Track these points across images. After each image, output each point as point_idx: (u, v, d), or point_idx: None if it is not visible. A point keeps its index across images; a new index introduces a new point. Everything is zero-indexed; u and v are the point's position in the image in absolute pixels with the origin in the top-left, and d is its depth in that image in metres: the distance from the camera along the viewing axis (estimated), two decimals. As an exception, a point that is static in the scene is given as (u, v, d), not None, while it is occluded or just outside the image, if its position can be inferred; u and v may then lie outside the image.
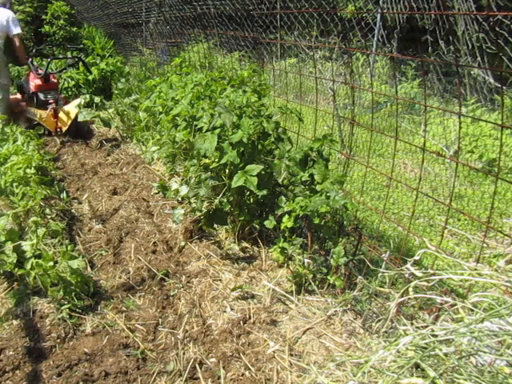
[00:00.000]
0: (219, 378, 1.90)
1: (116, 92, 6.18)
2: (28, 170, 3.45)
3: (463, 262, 1.44)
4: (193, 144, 2.76)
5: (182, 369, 1.94)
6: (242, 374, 1.91)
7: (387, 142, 4.96)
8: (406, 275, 1.77)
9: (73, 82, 7.36)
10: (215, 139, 2.55)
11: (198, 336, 2.13)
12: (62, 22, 10.57)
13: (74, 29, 10.88)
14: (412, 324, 1.52)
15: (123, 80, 6.51)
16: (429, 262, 2.71)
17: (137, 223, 3.29)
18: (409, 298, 1.56)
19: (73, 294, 2.30)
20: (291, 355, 2.00)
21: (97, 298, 2.42)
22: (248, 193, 2.77)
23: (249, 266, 2.73)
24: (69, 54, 7.57)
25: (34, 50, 7.08)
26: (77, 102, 5.34)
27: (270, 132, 2.72)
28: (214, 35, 5.65)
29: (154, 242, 3.01)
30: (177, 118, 3.38)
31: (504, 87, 5.51)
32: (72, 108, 5.31)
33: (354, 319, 2.24)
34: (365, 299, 2.21)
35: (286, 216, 2.50)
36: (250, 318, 2.24)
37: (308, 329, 2.18)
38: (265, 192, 2.57)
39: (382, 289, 1.95)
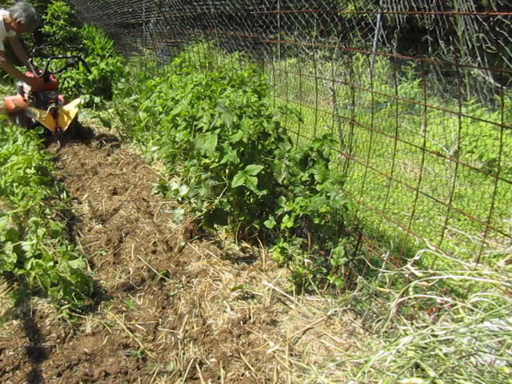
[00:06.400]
0: (219, 377, 1.90)
1: (116, 92, 6.18)
2: (28, 170, 3.46)
3: (463, 262, 1.44)
4: (193, 144, 2.76)
5: (182, 369, 1.94)
6: (242, 374, 1.90)
7: (387, 142, 4.96)
8: (406, 275, 1.77)
9: (73, 82, 7.35)
10: (215, 139, 2.55)
11: (198, 336, 2.13)
12: (61, 22, 10.57)
13: (74, 29, 10.89)
14: (412, 324, 1.52)
15: (123, 80, 6.50)
16: (429, 262, 2.71)
17: (137, 223, 3.29)
18: (409, 298, 1.56)
19: (73, 293, 2.30)
20: (291, 355, 2.00)
21: (97, 297, 2.42)
22: (248, 193, 2.77)
23: (249, 266, 2.73)
24: (69, 54, 7.57)
25: (33, 50, 7.07)
26: (77, 101, 5.34)
27: (270, 132, 2.72)
28: (213, 35, 5.65)
29: (154, 242, 3.01)
30: (177, 117, 3.37)
31: (504, 87, 5.51)
32: (72, 108, 5.30)
33: (354, 319, 2.24)
34: (365, 299, 2.21)
35: (286, 216, 2.50)
36: (250, 317, 2.24)
37: (308, 329, 2.18)
38: (265, 192, 2.57)
39: (382, 289, 1.95)
